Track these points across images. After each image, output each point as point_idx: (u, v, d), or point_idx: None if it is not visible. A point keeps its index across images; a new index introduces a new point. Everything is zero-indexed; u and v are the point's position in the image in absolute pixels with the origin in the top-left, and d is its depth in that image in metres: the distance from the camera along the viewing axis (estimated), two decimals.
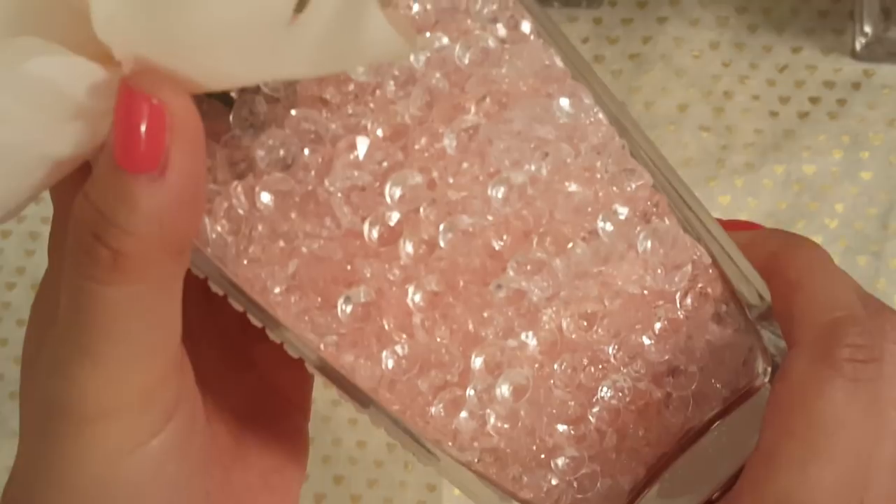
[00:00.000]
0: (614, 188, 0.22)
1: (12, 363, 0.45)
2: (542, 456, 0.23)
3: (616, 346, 0.23)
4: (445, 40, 0.22)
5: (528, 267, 0.22)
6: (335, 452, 0.44)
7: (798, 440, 0.21)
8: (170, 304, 0.20)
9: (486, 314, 0.22)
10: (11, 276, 0.46)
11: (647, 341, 0.23)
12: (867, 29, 0.45)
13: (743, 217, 0.45)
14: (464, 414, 0.22)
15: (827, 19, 0.47)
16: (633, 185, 0.23)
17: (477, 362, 0.22)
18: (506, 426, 0.23)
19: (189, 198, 0.19)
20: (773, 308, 0.24)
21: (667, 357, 0.23)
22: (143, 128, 0.18)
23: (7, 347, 0.46)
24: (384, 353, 0.22)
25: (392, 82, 0.21)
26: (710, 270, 0.23)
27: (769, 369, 0.24)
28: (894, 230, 0.45)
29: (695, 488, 0.24)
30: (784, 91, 0.46)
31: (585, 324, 0.23)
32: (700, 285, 0.23)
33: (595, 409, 0.23)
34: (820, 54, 0.47)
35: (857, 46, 0.46)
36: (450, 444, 0.23)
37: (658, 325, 0.23)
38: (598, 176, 0.22)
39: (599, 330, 0.23)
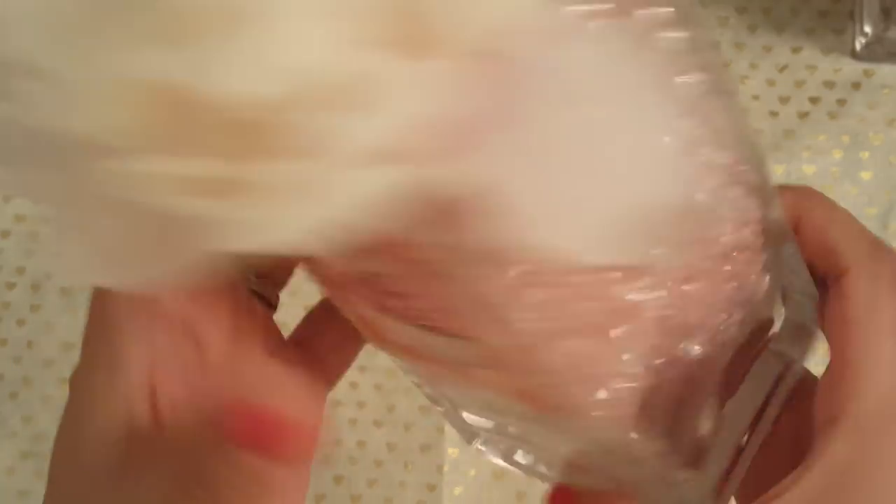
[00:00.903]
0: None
1: (12, 363, 0.45)
2: None
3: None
4: None
5: None
6: (335, 452, 0.44)
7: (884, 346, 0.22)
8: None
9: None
10: (11, 276, 0.46)
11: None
12: (867, 29, 0.45)
13: None
14: None
15: (827, 19, 0.47)
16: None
17: None
18: None
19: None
20: (803, 254, 0.24)
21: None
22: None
23: (7, 347, 0.46)
24: None
25: None
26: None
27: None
28: (894, 230, 0.45)
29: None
30: (784, 91, 0.46)
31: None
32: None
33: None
34: (820, 54, 0.47)
35: (857, 46, 0.46)
36: None
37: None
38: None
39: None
